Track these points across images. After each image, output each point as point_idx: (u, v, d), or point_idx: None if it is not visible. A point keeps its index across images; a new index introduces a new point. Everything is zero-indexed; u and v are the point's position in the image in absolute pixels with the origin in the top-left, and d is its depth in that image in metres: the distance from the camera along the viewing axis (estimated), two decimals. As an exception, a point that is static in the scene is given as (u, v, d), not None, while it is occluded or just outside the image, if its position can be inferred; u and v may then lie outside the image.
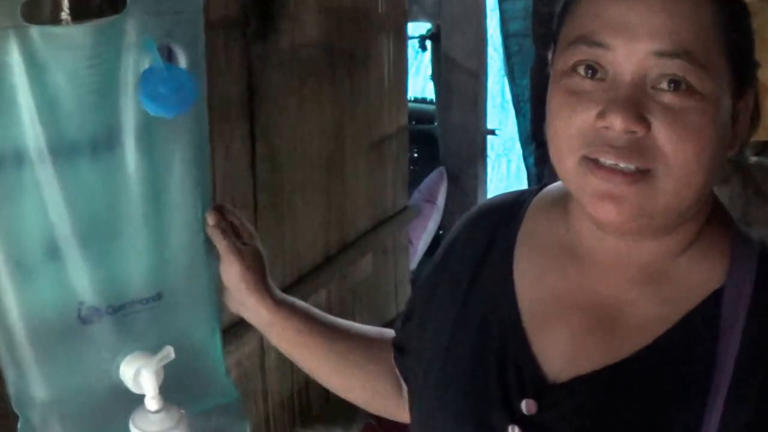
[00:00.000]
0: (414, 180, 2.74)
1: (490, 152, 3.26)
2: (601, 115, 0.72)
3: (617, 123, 0.71)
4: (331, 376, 1.04)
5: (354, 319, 1.80)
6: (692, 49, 0.71)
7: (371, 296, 1.86)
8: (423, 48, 3.00)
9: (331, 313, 1.68)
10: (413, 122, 2.95)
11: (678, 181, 0.73)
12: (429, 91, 3.34)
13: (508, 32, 3.03)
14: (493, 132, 3.09)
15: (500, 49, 3.11)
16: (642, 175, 0.72)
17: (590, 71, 0.74)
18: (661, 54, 0.71)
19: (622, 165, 0.72)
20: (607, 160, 0.72)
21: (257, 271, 0.98)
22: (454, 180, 2.89)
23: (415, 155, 3.16)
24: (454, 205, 2.82)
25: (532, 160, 3.13)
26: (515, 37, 3.03)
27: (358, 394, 1.05)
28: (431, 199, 2.78)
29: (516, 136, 3.24)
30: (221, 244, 0.96)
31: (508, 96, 3.27)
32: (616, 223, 0.75)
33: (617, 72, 0.73)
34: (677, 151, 0.72)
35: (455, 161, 2.92)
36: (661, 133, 0.71)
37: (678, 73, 0.71)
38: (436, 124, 3.08)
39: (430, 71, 3.13)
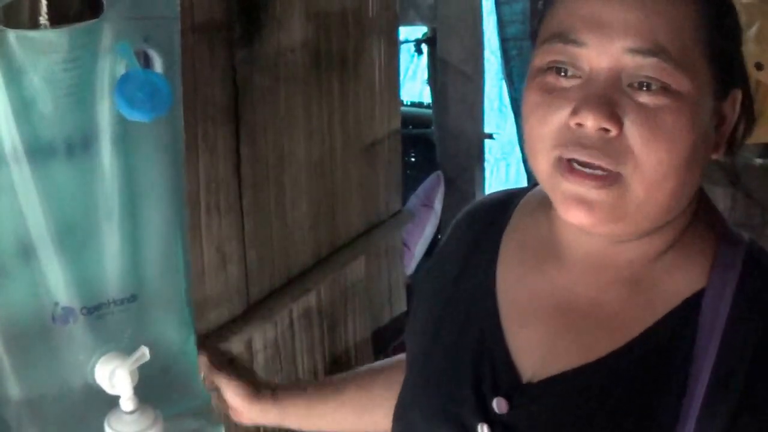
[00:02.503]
0: (411, 184, 2.74)
1: (488, 156, 3.26)
2: (574, 112, 0.72)
3: (589, 120, 0.70)
4: (362, 421, 1.05)
5: (346, 323, 1.80)
6: (668, 47, 0.71)
7: (364, 300, 1.86)
8: (419, 52, 3.00)
9: (321, 317, 1.69)
10: (410, 126, 2.95)
11: (649, 183, 0.72)
12: (426, 95, 3.34)
13: (506, 36, 3.03)
14: (490, 136, 3.08)
15: (497, 53, 3.11)
16: (613, 178, 0.71)
17: (565, 69, 0.74)
18: (635, 51, 0.71)
19: (595, 163, 0.71)
20: (580, 158, 0.72)
21: (251, 390, 1.01)
22: (451, 184, 2.88)
23: (412, 159, 3.16)
24: (451, 209, 2.82)
25: (531, 163, 3.11)
26: (514, 40, 3.03)
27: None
28: (428, 204, 2.77)
29: (515, 139, 3.24)
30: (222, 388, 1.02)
31: (506, 100, 3.28)
32: (588, 226, 0.75)
33: (592, 69, 0.72)
34: (648, 153, 0.71)
35: (452, 165, 2.91)
36: (633, 133, 0.71)
37: (653, 70, 0.70)
38: (433, 128, 3.08)
39: (427, 75, 3.13)
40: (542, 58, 0.75)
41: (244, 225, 1.43)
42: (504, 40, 3.03)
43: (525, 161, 3.19)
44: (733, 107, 0.77)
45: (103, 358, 0.92)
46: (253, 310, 1.48)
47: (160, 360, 0.97)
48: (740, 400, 0.72)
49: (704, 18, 0.73)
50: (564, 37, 0.73)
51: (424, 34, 2.95)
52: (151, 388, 0.94)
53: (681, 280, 0.78)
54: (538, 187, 0.91)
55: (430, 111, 3.16)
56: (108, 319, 0.94)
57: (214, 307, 1.38)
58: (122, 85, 0.90)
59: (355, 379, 1.06)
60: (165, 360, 0.99)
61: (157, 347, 0.95)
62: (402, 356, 1.06)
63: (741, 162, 2.27)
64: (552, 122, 0.73)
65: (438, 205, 2.81)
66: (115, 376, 0.90)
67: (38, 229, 0.88)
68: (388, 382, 1.03)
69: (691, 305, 0.76)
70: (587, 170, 0.72)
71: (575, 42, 0.72)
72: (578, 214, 0.73)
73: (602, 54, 0.71)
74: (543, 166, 0.75)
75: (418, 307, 0.96)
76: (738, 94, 0.77)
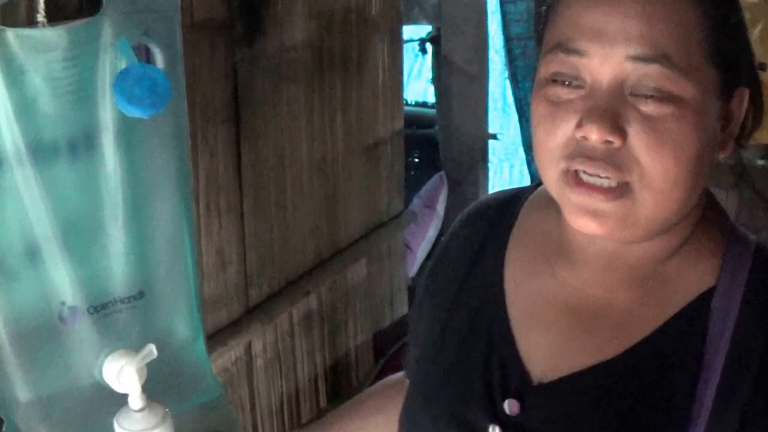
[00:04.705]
0: (414, 185, 2.72)
1: (492, 157, 3.25)
2: (579, 125, 0.72)
3: (593, 133, 0.71)
4: None
5: (347, 326, 1.79)
6: (670, 53, 0.70)
7: (365, 303, 1.84)
8: (423, 51, 2.98)
9: (322, 319, 1.67)
10: (414, 127, 2.93)
11: (656, 192, 0.72)
12: (431, 95, 3.32)
13: (511, 35, 3.02)
14: (494, 136, 3.07)
15: (501, 52, 3.10)
16: (621, 190, 0.72)
17: (569, 79, 0.74)
18: (636, 58, 0.70)
19: (602, 175, 0.72)
20: (586, 170, 0.72)
21: None
22: (454, 185, 2.86)
23: (416, 160, 3.15)
24: (454, 211, 2.80)
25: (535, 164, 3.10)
26: (518, 39, 3.01)
27: None
28: (431, 205, 2.76)
29: (519, 140, 3.23)
30: None
31: (510, 100, 3.26)
32: (598, 235, 0.76)
33: (595, 79, 0.72)
34: (654, 162, 0.71)
35: (456, 166, 2.89)
36: (637, 144, 0.71)
37: (655, 78, 0.70)
38: (437, 128, 3.06)
39: (431, 74, 3.12)
40: (546, 69, 0.76)
41: (245, 226, 1.41)
42: (508, 39, 3.02)
43: (528, 162, 3.18)
44: (740, 105, 0.77)
45: (110, 357, 0.92)
46: (252, 313, 1.46)
47: (170, 356, 0.97)
48: (751, 398, 0.72)
49: (707, 20, 0.72)
50: (565, 48, 0.73)
51: (429, 33, 2.93)
52: (162, 384, 0.94)
53: (691, 280, 0.79)
54: (543, 186, 0.91)
55: (434, 111, 3.14)
56: (116, 317, 0.94)
57: (213, 310, 1.37)
58: (121, 81, 0.89)
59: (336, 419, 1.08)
60: (176, 356, 1.00)
61: (166, 343, 0.96)
62: (382, 382, 1.09)
63: (744, 164, 2.27)
64: (558, 135, 0.74)
65: (441, 206, 2.79)
66: (123, 374, 0.90)
67: (43, 230, 0.88)
68: (375, 406, 1.04)
69: (701, 304, 0.77)
70: (595, 182, 0.72)
71: (576, 52, 0.73)
72: (588, 224, 0.74)
73: (604, 63, 0.71)
74: (552, 177, 0.76)
75: (421, 310, 0.96)
76: (745, 92, 0.77)
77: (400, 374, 1.06)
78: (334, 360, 1.74)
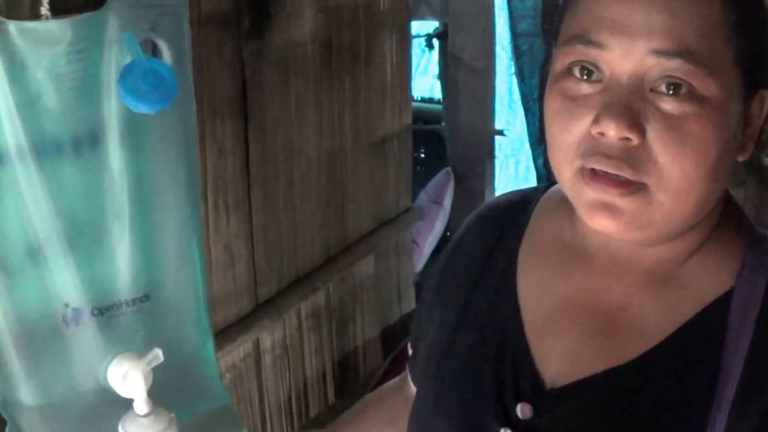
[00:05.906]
0: (421, 181, 2.71)
1: (498, 153, 3.24)
2: (595, 121, 0.70)
3: (611, 129, 0.68)
4: None
5: (355, 322, 1.78)
6: (695, 49, 0.68)
7: (372, 299, 1.84)
8: (430, 47, 2.97)
9: (330, 315, 1.67)
10: (420, 122, 2.92)
11: (673, 194, 0.70)
12: (437, 91, 3.31)
13: (517, 31, 3.01)
14: (501, 132, 3.06)
15: (508, 48, 3.09)
16: (637, 186, 0.69)
17: (586, 72, 0.71)
18: (660, 53, 0.68)
19: (619, 174, 0.69)
20: (603, 169, 0.70)
21: None
22: (461, 181, 2.85)
23: (422, 156, 3.14)
24: (460, 206, 2.79)
25: (541, 160, 3.10)
26: (525, 36, 3.01)
27: None
28: (437, 201, 2.75)
29: (525, 136, 3.22)
30: None
31: (516, 96, 3.26)
32: (613, 232, 0.73)
33: (614, 73, 0.70)
34: (672, 164, 0.68)
35: (462, 162, 2.88)
36: (656, 144, 0.68)
37: (678, 74, 0.68)
38: (443, 124, 3.05)
39: (437, 70, 3.11)
40: (562, 60, 0.73)
41: (253, 223, 1.41)
42: (515, 36, 3.01)
43: (535, 158, 3.17)
44: (760, 108, 0.74)
45: (115, 360, 0.91)
46: (261, 310, 1.45)
47: (176, 360, 0.96)
48: None
49: (731, 19, 0.70)
50: (584, 39, 0.71)
51: (435, 29, 2.92)
52: (168, 390, 0.92)
53: (709, 282, 0.77)
54: (555, 187, 0.89)
55: (440, 107, 3.13)
56: (120, 319, 0.93)
57: (222, 307, 1.36)
58: (126, 76, 0.87)
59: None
60: (182, 360, 0.98)
61: (173, 348, 0.94)
62: (375, 392, 1.08)
63: (752, 161, 2.25)
64: (574, 131, 0.71)
65: (447, 202, 2.79)
66: (128, 379, 0.88)
67: (46, 229, 0.86)
68: (381, 410, 1.03)
69: (720, 307, 0.75)
70: (610, 174, 0.70)
71: (596, 44, 0.70)
72: (603, 221, 0.72)
73: (624, 57, 0.69)
74: (566, 174, 0.74)
75: (431, 313, 0.94)
76: (765, 96, 0.74)
77: (395, 380, 1.05)
78: (342, 355, 1.74)
